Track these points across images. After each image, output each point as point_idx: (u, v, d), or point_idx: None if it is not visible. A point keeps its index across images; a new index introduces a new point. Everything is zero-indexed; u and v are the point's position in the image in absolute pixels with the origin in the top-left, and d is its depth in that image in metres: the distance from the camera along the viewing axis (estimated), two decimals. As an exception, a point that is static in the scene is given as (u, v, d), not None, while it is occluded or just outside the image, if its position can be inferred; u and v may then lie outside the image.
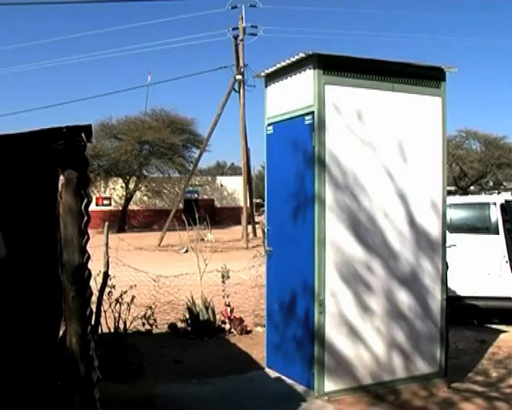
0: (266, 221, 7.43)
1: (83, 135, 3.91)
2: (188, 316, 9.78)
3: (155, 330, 9.54)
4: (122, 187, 49.64)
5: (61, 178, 3.95)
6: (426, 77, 6.94)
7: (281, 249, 7.02)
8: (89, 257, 4.24)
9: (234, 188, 55.06)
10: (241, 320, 9.78)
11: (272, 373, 7.11)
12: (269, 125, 7.26)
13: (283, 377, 6.88)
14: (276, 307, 7.07)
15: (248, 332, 9.71)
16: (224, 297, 10.32)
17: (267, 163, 7.38)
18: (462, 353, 8.73)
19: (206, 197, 57.23)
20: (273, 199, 7.26)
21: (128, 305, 8.16)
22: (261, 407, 6.19)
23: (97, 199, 49.93)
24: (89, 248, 4.33)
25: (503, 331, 10.16)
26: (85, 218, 4.06)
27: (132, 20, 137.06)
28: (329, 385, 6.36)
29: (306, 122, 6.46)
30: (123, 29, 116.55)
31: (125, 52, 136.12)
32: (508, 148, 51.84)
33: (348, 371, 6.47)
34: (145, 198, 53.05)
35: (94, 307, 6.70)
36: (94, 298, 5.95)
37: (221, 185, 59.79)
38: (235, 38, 35.97)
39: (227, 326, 9.78)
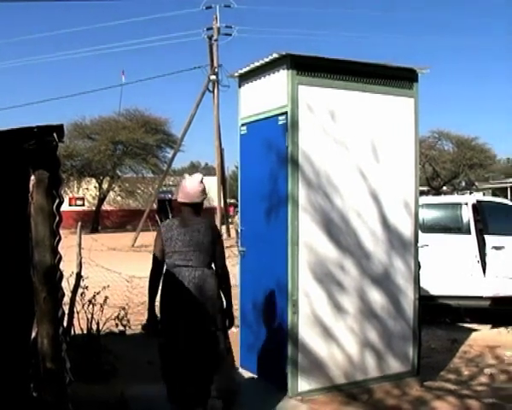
0: (240, 221, 7.43)
1: (54, 135, 3.87)
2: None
3: (129, 331, 9.48)
4: (95, 187, 49.36)
5: (33, 178, 3.92)
6: (398, 78, 6.98)
7: (254, 250, 7.02)
8: (60, 258, 4.21)
9: (208, 188, 55.01)
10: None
11: (246, 373, 7.11)
12: (242, 125, 7.26)
13: (257, 378, 6.88)
14: (250, 307, 7.07)
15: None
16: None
17: (241, 163, 7.38)
18: (434, 352, 8.81)
19: (179, 198, 57.04)
20: (247, 199, 7.26)
21: (101, 306, 8.09)
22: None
23: (70, 199, 49.60)
24: (61, 248, 4.29)
25: (475, 330, 10.28)
26: (57, 218, 4.03)
27: (106, 19, 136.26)
28: (303, 385, 6.37)
29: (280, 122, 6.47)
30: (96, 28, 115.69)
31: (98, 51, 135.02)
32: (480, 149, 52.52)
33: (322, 371, 6.49)
34: (119, 198, 52.73)
35: (66, 308, 6.65)
36: (66, 299, 5.91)
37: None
38: (210, 38, 35.93)
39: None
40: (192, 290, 5.28)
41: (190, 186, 5.54)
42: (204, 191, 5.60)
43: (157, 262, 5.47)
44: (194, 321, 5.27)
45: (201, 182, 5.62)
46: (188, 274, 5.30)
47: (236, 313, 7.44)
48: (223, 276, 5.59)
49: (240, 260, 7.35)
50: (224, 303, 5.65)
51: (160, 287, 5.47)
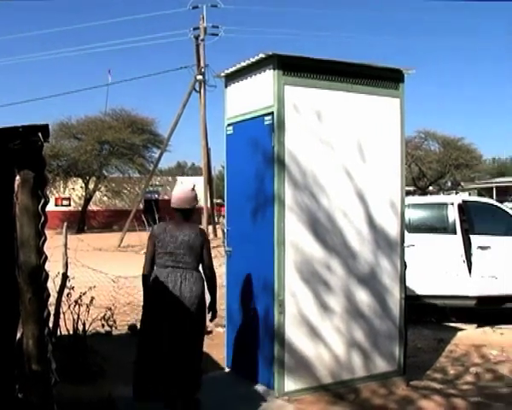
0: (226, 221, 7.43)
1: (40, 135, 3.86)
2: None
3: (115, 332, 9.46)
4: (82, 187, 49.09)
5: (18, 178, 3.90)
6: (384, 78, 7.01)
7: (241, 250, 7.02)
8: (46, 258, 4.19)
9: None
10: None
11: (232, 373, 7.11)
12: (229, 125, 7.26)
13: (243, 378, 6.87)
14: (237, 307, 7.07)
15: (209, 333, 9.64)
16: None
17: (227, 163, 7.37)
18: (420, 351, 8.84)
19: (166, 198, 56.89)
20: (233, 199, 7.26)
21: (87, 306, 8.06)
22: (221, 407, 6.19)
23: (56, 199, 49.36)
24: (47, 249, 4.28)
25: (461, 330, 10.33)
26: (42, 218, 4.01)
27: (92, 18, 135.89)
28: (290, 385, 6.38)
29: (266, 122, 6.47)
30: (84, 27, 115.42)
31: (84, 51, 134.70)
32: (466, 149, 52.77)
33: (308, 371, 6.50)
34: (105, 198, 52.48)
35: (52, 308, 6.63)
36: (52, 299, 5.89)
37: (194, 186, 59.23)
38: (196, 38, 35.85)
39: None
40: (181, 290, 5.72)
41: (182, 193, 6.02)
42: (195, 199, 6.06)
43: (149, 261, 5.94)
44: (181, 319, 5.67)
45: (193, 190, 6.07)
46: (180, 275, 5.76)
47: (223, 313, 7.45)
48: (210, 276, 6.04)
49: (226, 261, 7.34)
50: (209, 299, 6.10)
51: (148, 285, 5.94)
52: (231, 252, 7.18)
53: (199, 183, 39.20)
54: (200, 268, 5.99)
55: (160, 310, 5.71)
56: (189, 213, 6.02)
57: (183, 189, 6.10)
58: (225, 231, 7.38)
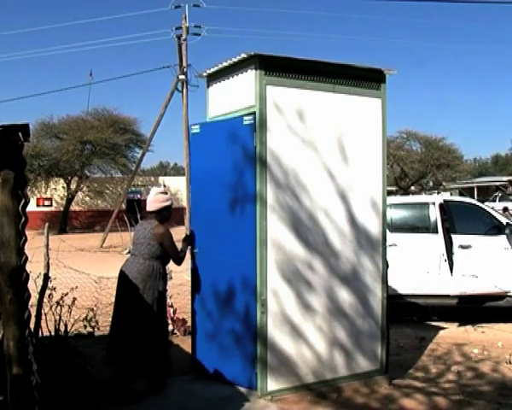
0: (190, 223, 7.42)
1: (20, 134, 3.83)
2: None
3: (97, 333, 9.43)
4: (63, 187, 48.79)
5: (-3, 178, 3.87)
6: (366, 78, 7.03)
7: (215, 251, 6.92)
8: (26, 259, 4.17)
9: (177, 188, 54.60)
10: (184, 321, 9.72)
11: (210, 375, 7.07)
12: (211, 125, 7.24)
13: (227, 378, 6.86)
14: (211, 310, 6.96)
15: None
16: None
17: (204, 163, 7.33)
18: (402, 350, 8.88)
19: (149, 198, 56.61)
20: (210, 199, 7.21)
21: (69, 307, 8.03)
22: (203, 408, 6.17)
23: (38, 200, 49.03)
24: (29, 249, 4.26)
25: (442, 328, 10.40)
26: (23, 219, 3.99)
27: (75, 17, 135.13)
28: (272, 384, 6.38)
29: (248, 122, 6.46)
30: (65, 26, 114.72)
31: (67, 50, 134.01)
32: (447, 149, 53.07)
33: (291, 370, 6.51)
34: (87, 199, 52.24)
35: (33, 309, 6.59)
36: (34, 300, 5.86)
37: (164, 186, 59.24)
38: (179, 37, 35.71)
39: (170, 327, 9.70)
40: (129, 271, 6.59)
41: (148, 198, 6.91)
42: (160, 201, 6.85)
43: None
44: (127, 294, 6.55)
45: (160, 193, 6.95)
46: (130, 260, 6.73)
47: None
48: (179, 263, 7.00)
49: (193, 261, 7.23)
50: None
51: None
52: (200, 253, 7.11)
53: (181, 183, 38.90)
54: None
55: (117, 289, 6.71)
56: (155, 213, 6.82)
57: (150, 194, 6.96)
58: (189, 233, 7.36)
